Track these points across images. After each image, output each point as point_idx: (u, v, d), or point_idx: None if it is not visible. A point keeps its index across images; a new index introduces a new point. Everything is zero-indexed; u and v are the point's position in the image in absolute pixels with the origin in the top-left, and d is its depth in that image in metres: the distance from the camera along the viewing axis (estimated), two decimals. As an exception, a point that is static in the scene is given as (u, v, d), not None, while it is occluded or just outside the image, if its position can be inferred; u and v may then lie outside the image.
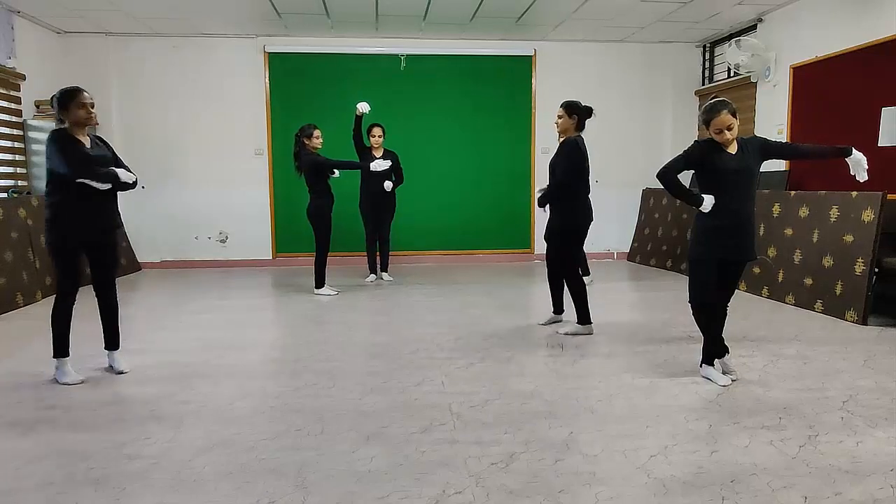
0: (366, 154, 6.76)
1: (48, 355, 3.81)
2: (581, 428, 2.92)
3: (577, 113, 4.51)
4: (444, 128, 8.62)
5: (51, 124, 3.67)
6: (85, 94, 3.63)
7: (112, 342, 3.87)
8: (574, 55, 8.66)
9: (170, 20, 7.47)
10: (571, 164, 4.46)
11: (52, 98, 3.66)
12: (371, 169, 6.33)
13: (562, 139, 4.59)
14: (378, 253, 7.12)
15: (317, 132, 6.18)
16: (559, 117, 4.56)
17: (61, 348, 3.66)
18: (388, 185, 6.79)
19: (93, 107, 3.65)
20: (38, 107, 7.15)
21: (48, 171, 3.58)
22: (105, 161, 3.69)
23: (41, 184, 6.41)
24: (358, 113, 6.56)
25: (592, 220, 4.59)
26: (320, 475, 2.47)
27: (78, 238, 3.61)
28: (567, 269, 4.64)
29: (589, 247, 4.67)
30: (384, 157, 6.64)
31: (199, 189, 8.40)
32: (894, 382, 3.51)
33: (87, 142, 3.66)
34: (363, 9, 7.11)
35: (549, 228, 4.66)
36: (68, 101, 3.58)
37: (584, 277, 6.65)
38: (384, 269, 7.20)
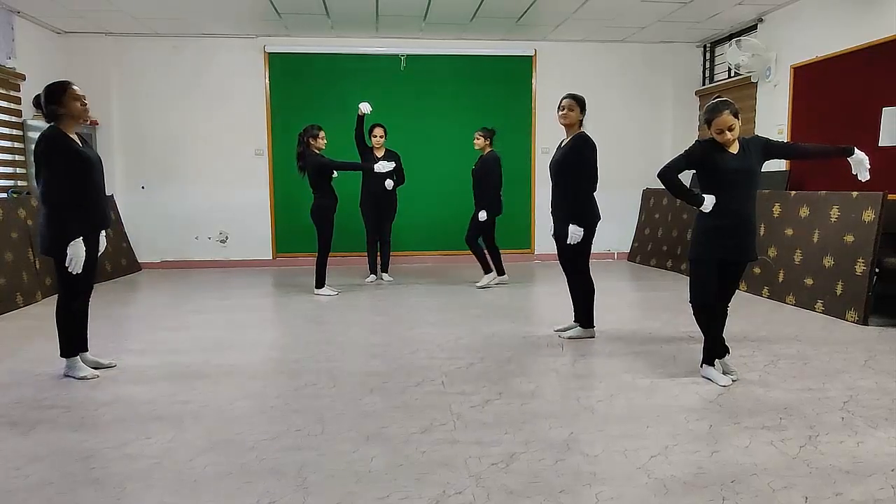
0: (367, 154, 6.76)
1: (48, 355, 3.82)
2: (581, 428, 2.92)
3: (584, 109, 4.35)
4: (444, 128, 8.61)
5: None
6: (76, 86, 3.60)
7: (86, 344, 3.90)
8: (574, 55, 8.66)
9: (170, 20, 7.47)
10: (593, 162, 4.32)
11: (38, 96, 3.58)
12: (375, 170, 6.32)
13: (571, 134, 4.39)
14: (378, 253, 7.12)
15: (321, 133, 6.18)
16: (569, 109, 4.33)
17: (69, 348, 3.71)
18: (388, 183, 6.78)
19: (86, 100, 3.64)
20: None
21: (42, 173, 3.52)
22: (97, 161, 3.70)
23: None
24: (360, 113, 6.57)
25: (600, 217, 4.42)
26: (321, 475, 2.47)
27: (84, 231, 3.59)
28: (581, 267, 4.48)
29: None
30: (386, 158, 6.64)
31: (199, 189, 8.40)
32: (895, 383, 3.51)
33: (78, 141, 3.64)
34: (363, 9, 7.11)
35: (560, 229, 4.41)
36: (61, 94, 3.53)
37: (499, 276, 6.79)
38: (384, 269, 7.19)
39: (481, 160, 6.65)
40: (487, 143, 6.63)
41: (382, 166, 6.29)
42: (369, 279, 7.11)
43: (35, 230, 6.10)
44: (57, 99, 3.53)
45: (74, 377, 3.66)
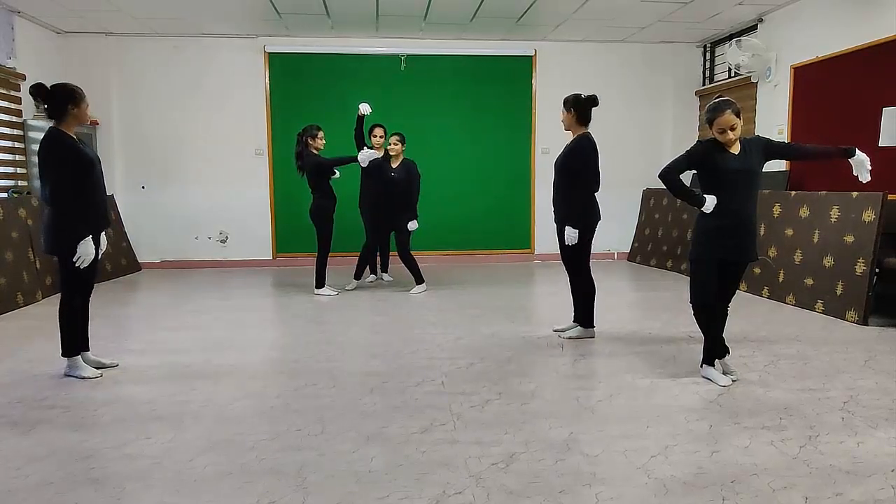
0: (366, 154, 6.73)
1: (48, 355, 3.81)
2: (581, 428, 2.92)
3: (573, 107, 4.34)
4: (444, 128, 8.61)
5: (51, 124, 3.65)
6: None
7: (87, 343, 3.91)
8: (574, 55, 8.65)
9: (170, 20, 7.47)
10: (593, 163, 4.33)
11: (40, 87, 3.56)
12: (359, 160, 6.08)
13: (575, 134, 4.39)
14: (378, 253, 7.12)
15: (320, 133, 6.16)
16: (562, 113, 4.42)
17: (72, 347, 3.72)
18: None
19: None
20: (38, 107, 7.14)
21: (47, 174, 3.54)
22: (97, 161, 3.74)
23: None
24: (360, 113, 6.54)
25: (600, 218, 4.42)
26: (320, 475, 2.47)
27: (91, 230, 3.62)
28: (580, 267, 4.47)
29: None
30: (403, 167, 6.55)
31: (199, 189, 8.39)
32: (895, 383, 3.51)
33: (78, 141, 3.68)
34: (363, 9, 7.10)
35: (559, 229, 4.44)
36: (81, 98, 3.62)
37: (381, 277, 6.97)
38: (384, 269, 7.19)
39: (404, 166, 6.52)
40: (401, 148, 6.54)
41: (364, 156, 6.08)
42: (369, 279, 7.11)
43: (35, 230, 6.11)
44: (76, 101, 3.60)
45: (77, 377, 3.66)
